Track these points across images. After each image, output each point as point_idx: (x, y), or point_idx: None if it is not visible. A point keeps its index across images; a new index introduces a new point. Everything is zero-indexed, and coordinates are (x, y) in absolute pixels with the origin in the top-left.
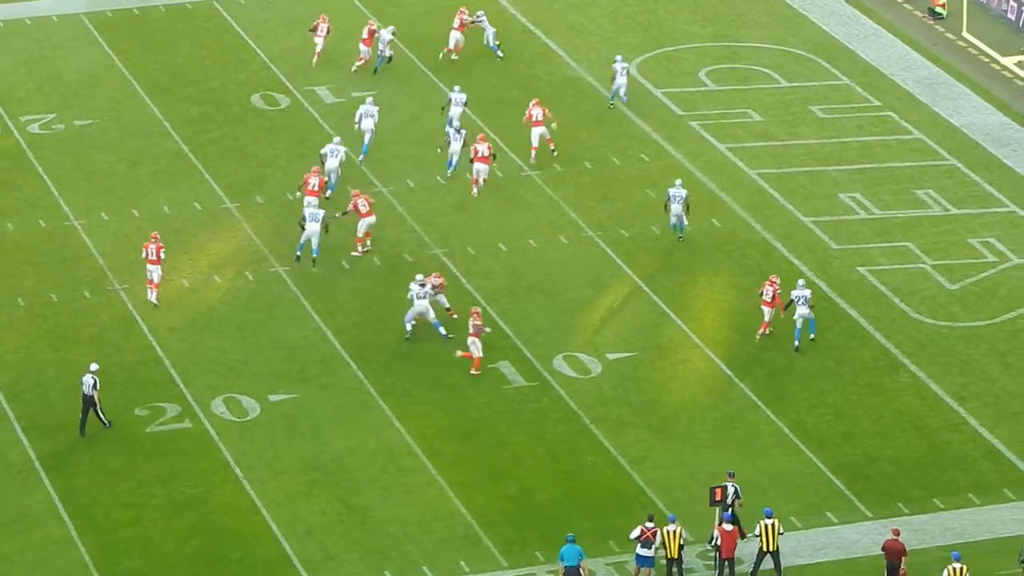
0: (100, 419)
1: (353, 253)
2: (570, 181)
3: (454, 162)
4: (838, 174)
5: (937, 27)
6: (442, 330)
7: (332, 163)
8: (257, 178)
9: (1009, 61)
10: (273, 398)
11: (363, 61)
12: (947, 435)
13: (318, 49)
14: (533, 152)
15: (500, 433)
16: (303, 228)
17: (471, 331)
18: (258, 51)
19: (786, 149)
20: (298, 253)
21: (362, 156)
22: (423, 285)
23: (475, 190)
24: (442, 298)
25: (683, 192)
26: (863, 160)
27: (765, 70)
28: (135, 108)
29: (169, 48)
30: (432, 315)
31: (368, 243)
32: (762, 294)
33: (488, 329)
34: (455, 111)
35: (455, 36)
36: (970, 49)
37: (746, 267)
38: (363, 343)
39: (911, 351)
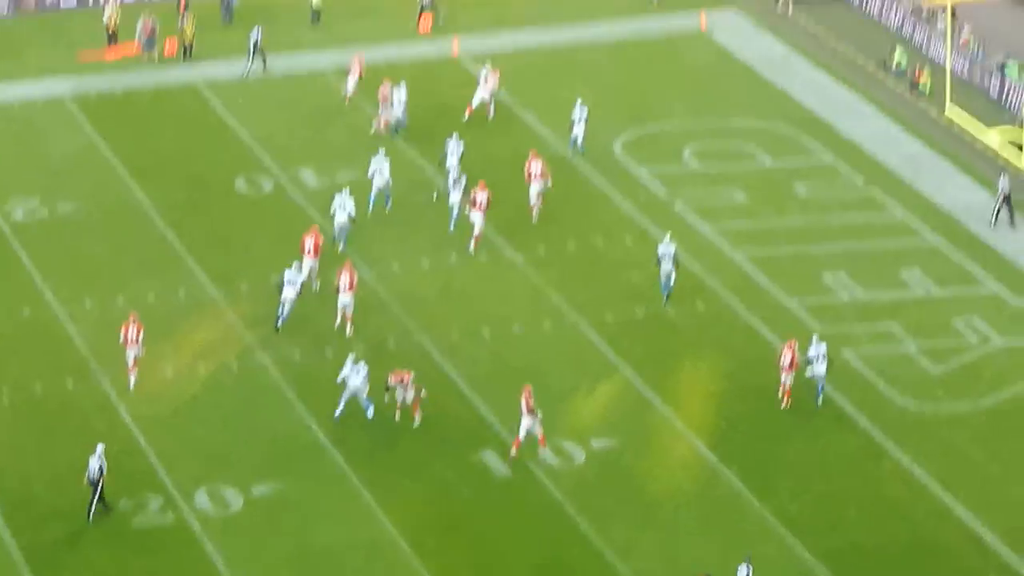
0: (101, 503)
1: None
2: (554, 264)
3: (455, 214)
4: (821, 253)
5: (920, 103)
6: (371, 412)
7: (341, 217)
8: (242, 265)
9: (992, 138)
10: (256, 490)
11: (384, 122)
12: (932, 523)
13: (349, 92)
14: (534, 211)
15: (484, 524)
16: (279, 290)
17: (525, 411)
18: (242, 134)
19: (770, 229)
20: (279, 322)
21: (387, 206)
22: (356, 363)
23: (472, 246)
24: (410, 393)
25: (671, 248)
26: (846, 240)
27: (749, 148)
28: (120, 193)
29: (154, 131)
30: (365, 394)
31: (349, 329)
32: (780, 360)
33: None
34: (452, 161)
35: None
36: (953, 126)
37: (730, 351)
38: (346, 432)
39: (896, 437)
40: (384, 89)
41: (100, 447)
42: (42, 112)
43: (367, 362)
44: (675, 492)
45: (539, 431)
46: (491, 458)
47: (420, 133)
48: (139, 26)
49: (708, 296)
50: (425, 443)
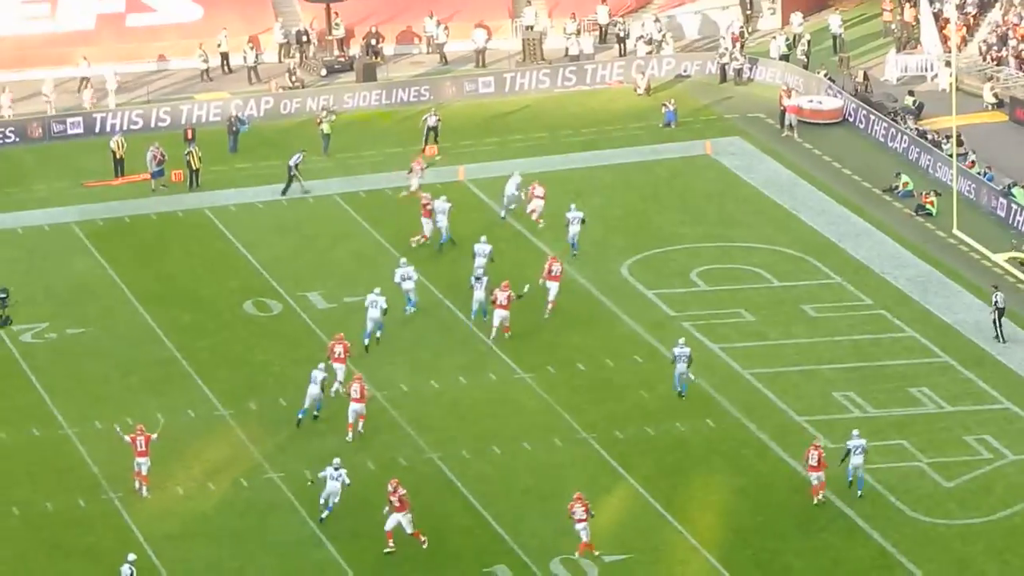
0: None
1: (347, 438)
2: (563, 383)
3: (478, 308)
4: (831, 373)
5: (927, 225)
6: (325, 515)
7: (374, 312)
8: (250, 384)
9: (1000, 258)
10: None
11: (424, 238)
12: None
13: (413, 187)
14: (550, 307)
15: None
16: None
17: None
18: (249, 258)
19: (779, 348)
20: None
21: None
22: (336, 468)
23: (492, 335)
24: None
25: (687, 350)
26: (856, 359)
27: (756, 269)
28: (127, 316)
29: (160, 256)
30: (336, 499)
31: (360, 427)
32: (807, 459)
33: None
34: (479, 261)
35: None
36: (961, 246)
37: (740, 467)
38: (359, 549)
39: (908, 549)
40: (425, 202)
41: (131, 556)
42: (49, 238)
43: (379, 481)
44: None
45: (585, 537)
46: (503, 573)
47: (428, 253)
48: (148, 155)
49: (718, 413)
50: (437, 559)
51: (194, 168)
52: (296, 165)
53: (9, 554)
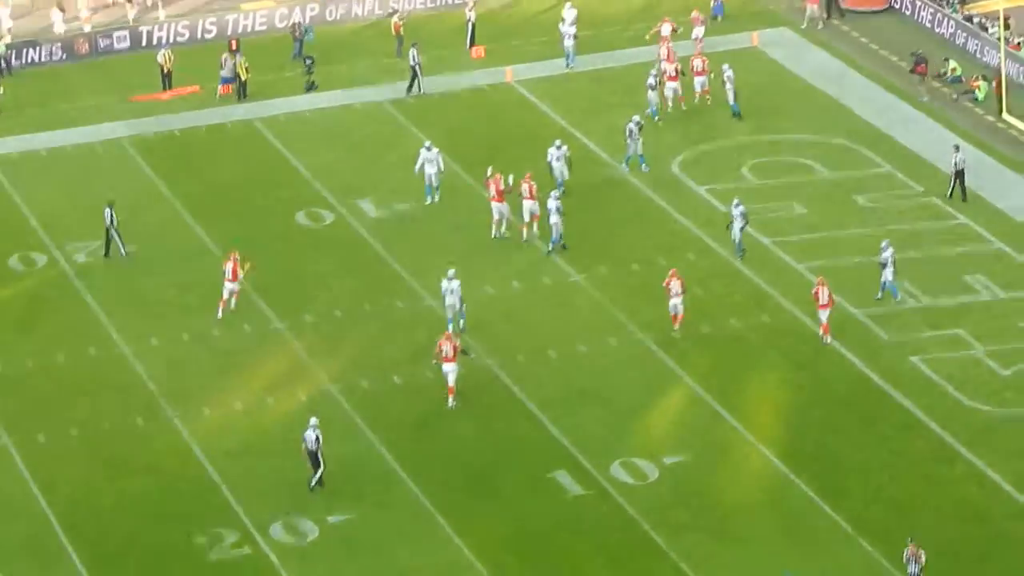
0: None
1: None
2: (618, 283)
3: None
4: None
5: (976, 110)
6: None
7: (451, 300)
8: (305, 297)
9: None
10: (332, 519)
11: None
12: (1009, 524)
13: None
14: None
15: (560, 544)
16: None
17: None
18: (300, 168)
19: (832, 240)
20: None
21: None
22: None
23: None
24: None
25: (741, 208)
26: (909, 248)
27: (807, 161)
28: (180, 231)
29: (211, 169)
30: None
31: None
32: (817, 297)
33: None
34: (556, 165)
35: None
36: (1011, 130)
37: (798, 362)
38: (418, 457)
39: (967, 439)
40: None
41: (313, 420)
42: (100, 154)
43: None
44: (749, 503)
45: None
46: (564, 478)
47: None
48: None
49: (773, 308)
50: (497, 466)
51: (242, 79)
52: (418, 63)
53: (69, 474)
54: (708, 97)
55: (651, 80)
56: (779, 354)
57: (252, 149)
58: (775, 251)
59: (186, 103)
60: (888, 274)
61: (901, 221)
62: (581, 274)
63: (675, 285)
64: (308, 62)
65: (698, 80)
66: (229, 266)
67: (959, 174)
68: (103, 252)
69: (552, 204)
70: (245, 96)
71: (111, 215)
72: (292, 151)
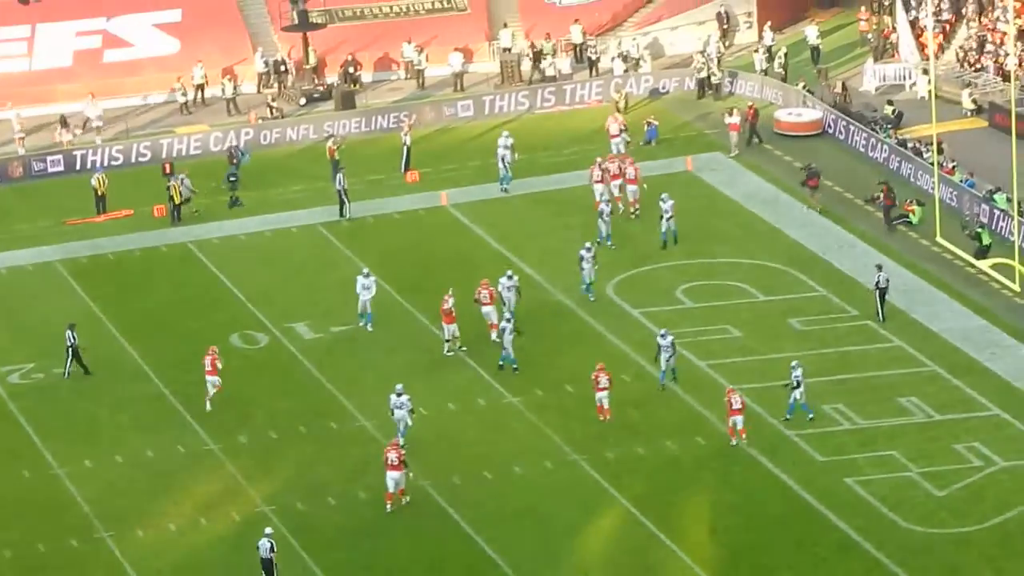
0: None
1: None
2: (552, 405)
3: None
4: (819, 385)
5: (911, 234)
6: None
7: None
8: (239, 417)
9: (984, 264)
10: None
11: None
12: None
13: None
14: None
15: None
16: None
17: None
18: (234, 290)
19: (766, 363)
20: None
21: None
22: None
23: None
24: None
25: (669, 338)
26: (844, 371)
27: (741, 284)
28: (114, 353)
29: (145, 292)
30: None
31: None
32: (730, 403)
33: None
34: (507, 294)
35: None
36: (944, 254)
37: (732, 484)
38: None
39: (902, 560)
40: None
41: (268, 530)
42: (32, 277)
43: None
44: None
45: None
46: None
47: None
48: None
49: (708, 431)
50: None
51: (176, 203)
52: (344, 187)
53: None
54: (637, 207)
55: (603, 206)
56: (713, 476)
57: (186, 272)
58: (710, 374)
59: (120, 226)
60: (797, 394)
61: (836, 344)
62: (516, 396)
63: (603, 379)
64: (232, 179)
65: (630, 189)
66: (208, 359)
67: (882, 292)
68: (82, 372)
69: (505, 325)
70: (179, 219)
71: (72, 336)
72: (226, 274)
